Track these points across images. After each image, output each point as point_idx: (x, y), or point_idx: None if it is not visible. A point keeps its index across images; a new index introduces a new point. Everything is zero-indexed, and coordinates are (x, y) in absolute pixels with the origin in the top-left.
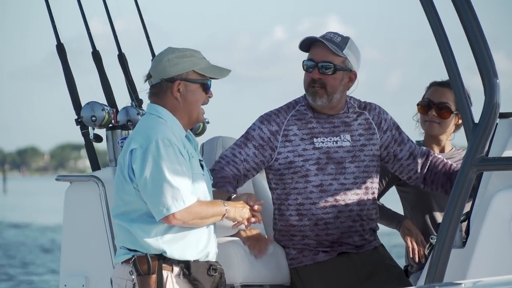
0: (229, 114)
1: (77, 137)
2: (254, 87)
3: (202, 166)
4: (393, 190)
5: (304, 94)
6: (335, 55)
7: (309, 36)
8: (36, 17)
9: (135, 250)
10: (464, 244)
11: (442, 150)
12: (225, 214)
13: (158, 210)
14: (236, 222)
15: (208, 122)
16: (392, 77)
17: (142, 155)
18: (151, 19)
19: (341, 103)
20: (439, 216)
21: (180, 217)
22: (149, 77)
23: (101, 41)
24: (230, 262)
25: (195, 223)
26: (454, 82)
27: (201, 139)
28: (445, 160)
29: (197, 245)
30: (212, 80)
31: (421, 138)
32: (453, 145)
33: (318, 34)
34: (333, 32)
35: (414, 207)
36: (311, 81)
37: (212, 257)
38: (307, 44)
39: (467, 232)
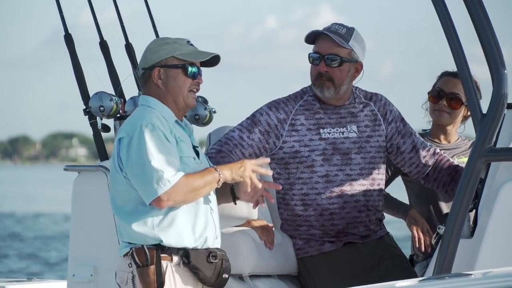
0: (221, 103)
1: (68, 125)
2: (245, 76)
3: (197, 152)
4: (398, 179)
5: (311, 85)
6: (341, 47)
7: (314, 30)
8: (27, 7)
9: (133, 243)
10: (472, 234)
11: (448, 140)
12: (219, 179)
13: (146, 194)
14: (246, 190)
15: (215, 112)
16: (385, 66)
17: (127, 143)
18: (143, 8)
19: (347, 94)
20: (443, 206)
21: (169, 197)
22: (138, 69)
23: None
24: (238, 252)
25: (189, 197)
26: (462, 73)
27: (207, 129)
28: (451, 160)
29: (194, 230)
30: (203, 69)
31: (428, 127)
32: (459, 135)
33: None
34: (338, 24)
35: (419, 197)
36: (318, 74)
37: (211, 243)
38: (313, 37)
39: (475, 222)
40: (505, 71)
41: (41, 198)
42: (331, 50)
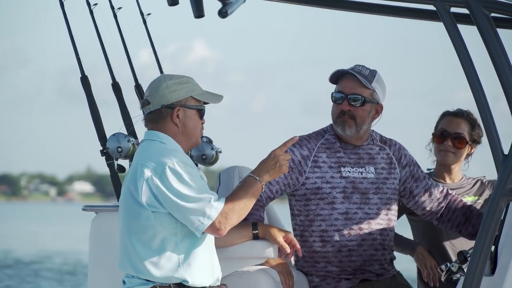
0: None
1: None
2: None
3: None
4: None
5: (331, 124)
6: (364, 87)
7: (339, 69)
8: None
9: (154, 281)
10: (493, 272)
11: (452, 179)
12: (262, 186)
13: (198, 224)
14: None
15: (220, 152)
16: (257, 100)
17: (161, 180)
18: (17, 43)
19: (366, 134)
20: (447, 245)
21: (223, 221)
22: (145, 104)
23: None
24: None
25: (243, 214)
26: (483, 113)
27: (213, 168)
28: (463, 200)
29: (212, 268)
30: None
31: (433, 166)
32: (463, 174)
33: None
34: (361, 65)
35: (424, 235)
36: (340, 112)
37: (219, 281)
38: (336, 77)
39: (495, 260)
40: None
41: None
42: (355, 90)
